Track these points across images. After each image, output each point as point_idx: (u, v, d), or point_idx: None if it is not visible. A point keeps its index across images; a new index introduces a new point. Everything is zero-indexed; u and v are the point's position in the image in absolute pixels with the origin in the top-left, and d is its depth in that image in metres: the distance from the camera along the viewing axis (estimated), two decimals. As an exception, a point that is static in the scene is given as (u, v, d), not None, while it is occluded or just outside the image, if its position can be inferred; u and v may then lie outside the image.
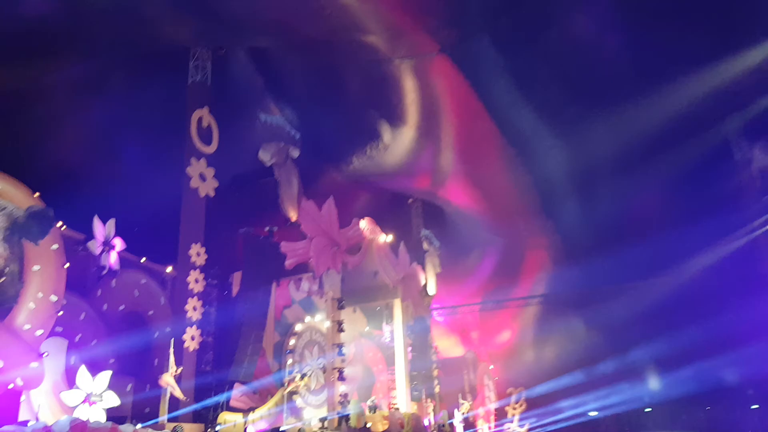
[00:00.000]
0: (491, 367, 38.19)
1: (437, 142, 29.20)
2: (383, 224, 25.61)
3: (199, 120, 17.69)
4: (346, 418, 20.46)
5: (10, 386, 11.23)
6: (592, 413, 41.43)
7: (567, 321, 37.97)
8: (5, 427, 9.51)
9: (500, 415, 37.66)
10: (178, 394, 14.50)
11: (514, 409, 37.35)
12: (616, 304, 34.23)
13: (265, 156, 19.75)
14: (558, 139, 27.71)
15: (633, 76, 24.80)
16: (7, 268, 11.84)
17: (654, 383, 39.57)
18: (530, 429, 36.78)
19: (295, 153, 21.06)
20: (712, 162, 27.64)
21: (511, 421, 37.07)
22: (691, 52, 23.31)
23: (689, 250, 30.67)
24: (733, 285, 30.55)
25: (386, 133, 28.03)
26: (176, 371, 14.61)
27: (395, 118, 27.45)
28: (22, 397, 11.50)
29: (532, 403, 37.50)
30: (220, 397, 16.16)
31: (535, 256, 36.43)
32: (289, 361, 21.74)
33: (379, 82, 24.95)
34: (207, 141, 17.72)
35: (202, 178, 17.23)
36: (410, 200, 32.96)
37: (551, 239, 34.57)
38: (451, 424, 28.65)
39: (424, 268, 29.71)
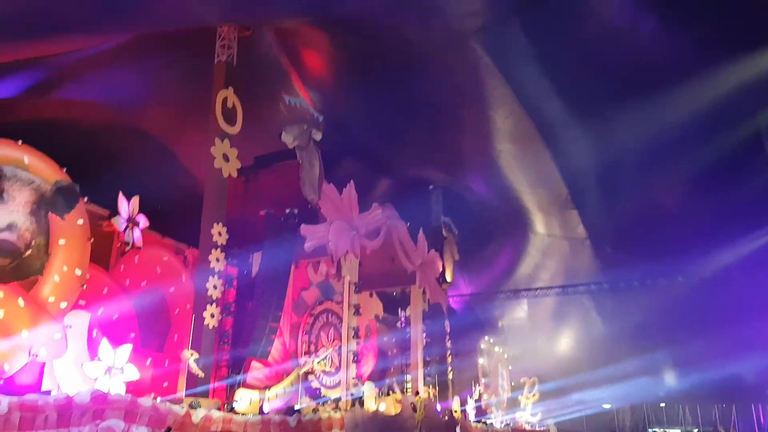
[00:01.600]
0: (506, 355, 38.20)
1: (460, 127, 28.96)
2: (403, 210, 25.57)
3: (224, 100, 17.77)
4: (360, 400, 20.67)
5: (35, 356, 11.53)
6: (606, 405, 41.37)
7: (584, 313, 37.76)
8: (28, 396, 9.78)
9: (513, 404, 37.74)
10: (196, 370, 14.77)
11: (527, 398, 37.40)
12: (635, 298, 33.92)
13: (288, 138, 19.78)
14: (586, 129, 27.28)
15: (664, 67, 24.24)
16: (34, 241, 12.12)
17: (670, 378, 39.31)
18: (543, 419, 36.84)
19: (318, 136, 21.07)
20: (743, 156, 27.00)
21: (524, 410, 37.15)
22: (724, 44, 22.73)
23: (716, 246, 30.16)
24: (759, 283, 30.03)
25: (410, 117, 27.88)
26: (192, 354, 14.86)
27: (419, 103, 27.26)
28: (45, 368, 11.79)
29: (546, 393, 37.51)
30: (237, 374, 16.43)
31: (554, 247, 36.16)
32: (305, 342, 21.98)
33: (404, 65, 24.74)
34: (231, 121, 17.81)
35: (226, 158, 17.35)
36: (431, 186, 32.81)
37: (574, 231, 34.25)
38: (464, 411, 28.79)
39: (442, 255, 29.66)
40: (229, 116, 17.83)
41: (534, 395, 37.38)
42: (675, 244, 29.92)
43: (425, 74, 24.65)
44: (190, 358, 14.80)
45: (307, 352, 21.59)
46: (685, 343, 33.23)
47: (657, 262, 31.54)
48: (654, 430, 42.78)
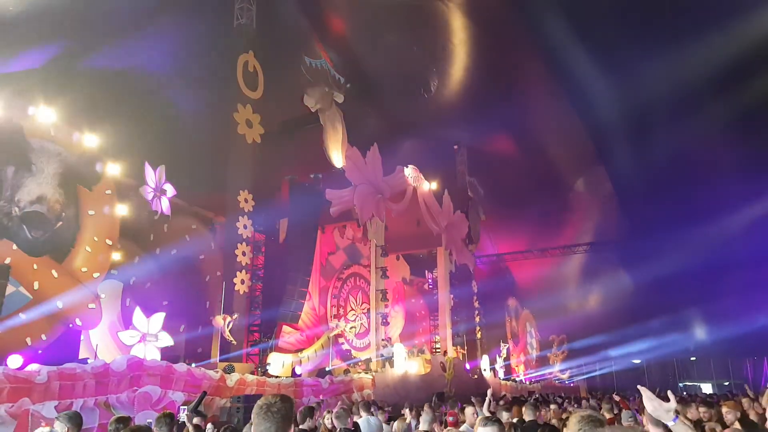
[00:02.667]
0: (533, 314, 38.23)
1: (486, 84, 28.30)
2: (427, 171, 25.30)
3: (245, 64, 17.53)
4: (390, 360, 20.91)
5: (70, 326, 11.77)
6: (636, 361, 41.34)
7: (613, 270, 37.37)
8: (67, 365, 10.00)
9: (542, 361, 37.91)
10: (228, 335, 15.00)
11: (556, 356, 37.50)
12: (664, 254, 33.35)
13: (310, 101, 19.53)
14: (612, 80, 26.41)
15: (693, 11, 23.18)
16: (64, 213, 12.22)
17: (700, 333, 39.00)
18: (572, 375, 36.99)
19: (340, 98, 20.76)
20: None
21: (553, 368, 37.31)
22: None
23: (746, 199, 29.33)
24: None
25: (433, 76, 27.31)
26: (234, 317, 15.09)
27: (442, 60, 26.63)
28: (81, 337, 12.04)
29: (575, 351, 37.55)
30: (269, 339, 16.65)
31: (582, 204, 35.63)
32: (335, 305, 22.17)
33: (427, 22, 24.10)
34: (253, 86, 17.60)
35: (249, 124, 17.21)
36: (455, 147, 32.33)
37: (602, 186, 33.63)
38: (493, 369, 29.01)
39: (467, 216, 29.45)
40: (251, 81, 17.61)
41: (563, 353, 37.47)
42: (704, 198, 29.19)
43: (448, 26, 23.97)
44: (223, 323, 15.02)
45: (337, 316, 21.79)
46: (714, 298, 32.76)
47: (686, 217, 30.84)
48: (685, 384, 42.71)
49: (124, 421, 4.70)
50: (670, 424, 2.98)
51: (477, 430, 3.50)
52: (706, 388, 40.86)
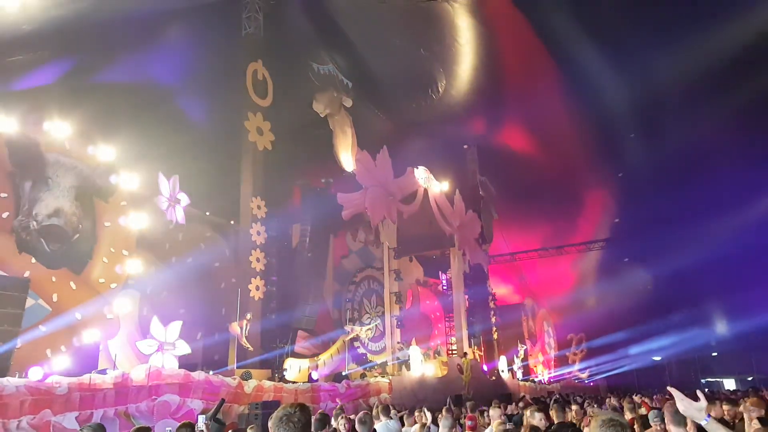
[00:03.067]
0: (550, 313, 38.00)
1: (493, 82, 28.24)
2: (438, 172, 25.31)
3: (254, 73, 17.69)
4: (406, 363, 20.92)
5: (89, 336, 11.94)
6: (656, 358, 40.92)
7: (630, 266, 37.05)
8: (86, 375, 10.14)
9: (561, 361, 37.67)
10: (245, 342, 15.11)
11: (575, 354, 37.25)
12: (682, 247, 33.00)
13: (319, 107, 19.66)
14: (620, 72, 26.21)
15: (702, 2, 22.99)
16: (81, 226, 12.42)
17: (721, 328, 38.52)
18: (591, 374, 36.71)
19: (348, 102, 20.87)
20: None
21: (572, 367, 37.06)
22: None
23: (764, 188, 28.96)
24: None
25: (440, 76, 27.30)
26: (248, 318, 15.21)
27: (449, 60, 26.61)
28: (100, 347, 12.20)
29: (594, 349, 37.26)
30: (285, 344, 16.76)
31: (596, 199, 35.39)
32: (348, 309, 22.25)
33: (432, 23, 24.11)
34: (262, 94, 17.76)
35: (259, 131, 17.36)
36: (465, 146, 32.29)
37: (613, 181, 33.39)
38: (511, 370, 28.89)
39: (480, 216, 29.39)
40: (260, 89, 17.78)
41: (582, 351, 37.21)
42: (721, 188, 28.82)
43: (454, 26, 23.98)
44: (239, 330, 15.15)
45: (352, 319, 21.85)
46: (735, 291, 32.34)
47: (703, 208, 30.50)
48: (707, 380, 42.21)
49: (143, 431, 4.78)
50: (702, 423, 2.98)
51: None
52: (729, 384, 40.36)
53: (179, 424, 5.78)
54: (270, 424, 2.60)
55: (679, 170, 30.06)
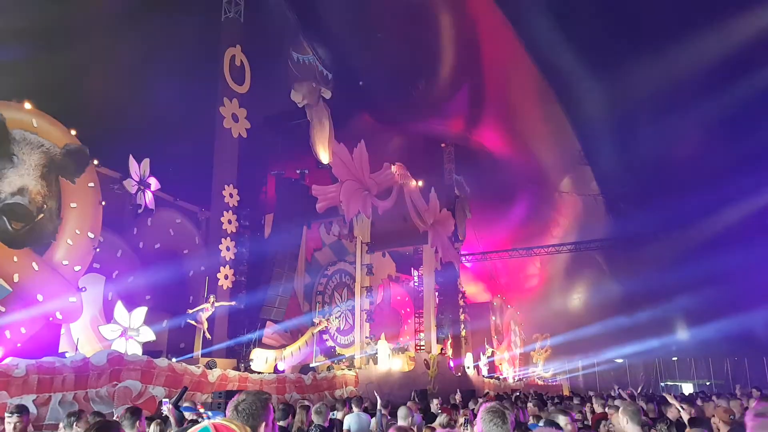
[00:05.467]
0: (518, 312, 38.42)
1: (474, 83, 28.38)
2: (414, 169, 25.32)
3: (232, 58, 17.44)
4: (374, 357, 20.93)
5: (51, 319, 11.67)
6: (618, 360, 41.70)
7: (597, 269, 37.68)
8: (46, 358, 9.91)
9: (526, 359, 38.14)
10: (204, 329, 14.82)
11: (540, 354, 37.74)
12: (647, 253, 33.70)
13: (297, 96, 19.46)
14: (599, 81, 26.59)
15: (679, 12, 23.42)
16: (45, 206, 12.10)
17: (682, 333, 39.40)
18: (555, 374, 37.26)
19: (327, 94, 20.71)
20: (757, 107, 26.23)
21: (537, 366, 37.55)
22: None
23: (729, 199, 29.67)
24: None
25: (421, 73, 27.33)
26: (211, 301, 14.92)
27: (431, 58, 26.64)
28: (62, 330, 11.93)
29: (558, 349, 37.80)
30: (253, 334, 16.62)
31: (568, 202, 35.88)
32: (319, 301, 22.15)
33: (414, 20, 24.11)
34: (239, 81, 17.52)
35: (235, 118, 17.13)
36: (443, 144, 32.40)
37: (587, 187, 33.89)
38: (477, 367, 29.14)
39: (454, 214, 29.52)
40: (238, 75, 17.54)
41: (546, 351, 37.72)
42: (688, 198, 29.45)
43: (435, 27, 24.02)
44: (203, 314, 14.89)
45: (321, 312, 21.77)
46: (696, 298, 33.09)
47: (669, 217, 31.13)
48: (666, 383, 43.18)
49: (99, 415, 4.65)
50: None
51: None
52: (687, 388, 41.33)
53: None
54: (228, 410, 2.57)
55: (650, 179, 30.67)
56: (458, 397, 13.97)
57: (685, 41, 23.53)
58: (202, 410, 7.65)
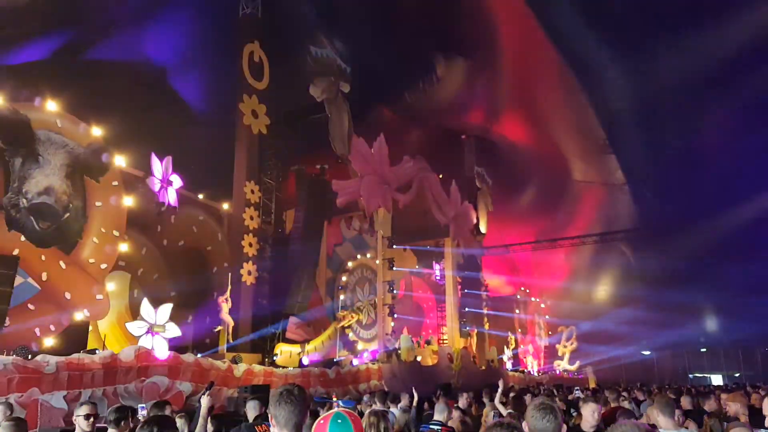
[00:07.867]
0: (543, 305, 38.06)
1: (494, 73, 28.05)
2: (435, 162, 25.15)
3: (251, 54, 17.46)
4: (397, 351, 20.89)
5: (78, 317, 11.82)
6: (645, 352, 41.14)
7: (623, 260, 37.12)
8: (75, 355, 10.04)
9: (551, 352, 37.81)
10: (226, 316, 14.95)
11: (565, 347, 37.38)
12: (674, 243, 33.06)
13: (316, 91, 19.42)
14: (624, 68, 26.06)
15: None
16: (71, 205, 12.24)
17: (711, 324, 38.72)
18: (581, 366, 36.85)
19: (346, 88, 20.63)
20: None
21: (562, 359, 37.20)
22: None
23: (757, 187, 28.96)
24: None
25: (441, 64, 27.09)
26: (225, 297, 15.07)
27: (451, 49, 26.40)
28: (90, 328, 12.08)
29: (584, 342, 37.38)
30: (277, 329, 16.69)
31: (593, 193, 35.37)
32: (341, 296, 22.18)
33: (433, 10, 23.88)
34: (258, 77, 17.54)
35: (254, 114, 17.17)
36: (463, 137, 32.13)
37: (612, 176, 33.35)
38: (500, 360, 28.96)
39: (475, 207, 29.32)
40: (257, 71, 17.55)
41: (572, 343, 37.33)
42: (715, 186, 28.86)
43: (454, 15, 23.76)
44: (223, 310, 15.01)
45: (344, 307, 21.80)
46: (725, 289, 32.44)
47: (696, 205, 30.50)
48: (695, 375, 42.49)
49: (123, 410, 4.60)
50: None
51: None
52: (716, 380, 40.63)
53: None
54: (271, 401, 2.56)
55: (676, 168, 30.06)
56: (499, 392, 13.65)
57: (714, 24, 22.95)
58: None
